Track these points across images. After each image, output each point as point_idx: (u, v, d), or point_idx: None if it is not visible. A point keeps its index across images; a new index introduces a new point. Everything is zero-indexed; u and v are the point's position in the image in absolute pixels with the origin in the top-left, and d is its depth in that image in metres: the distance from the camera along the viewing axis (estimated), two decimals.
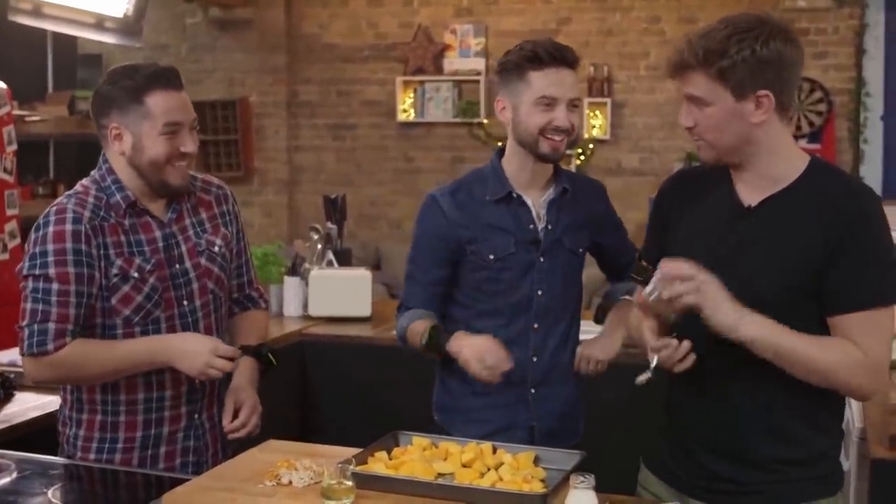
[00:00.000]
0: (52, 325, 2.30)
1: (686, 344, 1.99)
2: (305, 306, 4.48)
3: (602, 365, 2.69)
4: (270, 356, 2.65)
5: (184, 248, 2.47)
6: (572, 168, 7.84)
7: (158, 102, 2.34)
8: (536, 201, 2.64)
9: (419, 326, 2.60)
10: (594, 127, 7.87)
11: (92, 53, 8.41)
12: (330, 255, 4.70)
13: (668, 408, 2.22)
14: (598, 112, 7.85)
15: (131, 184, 2.40)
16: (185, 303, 2.46)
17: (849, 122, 7.36)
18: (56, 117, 6.81)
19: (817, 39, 7.35)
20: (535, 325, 2.64)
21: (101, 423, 2.45)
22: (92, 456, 2.45)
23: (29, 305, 2.32)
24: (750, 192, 2.07)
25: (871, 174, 7.29)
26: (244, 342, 2.63)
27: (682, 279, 1.94)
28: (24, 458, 2.41)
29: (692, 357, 2.00)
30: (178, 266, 2.45)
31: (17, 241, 5.16)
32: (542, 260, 2.62)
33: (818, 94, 7.30)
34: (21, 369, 3.05)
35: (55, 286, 2.30)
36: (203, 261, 2.50)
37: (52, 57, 7.28)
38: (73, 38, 7.41)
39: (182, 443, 2.50)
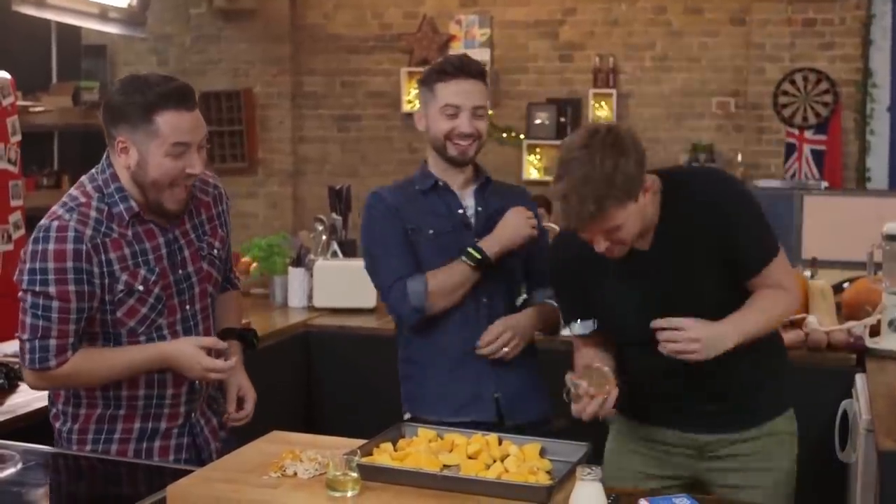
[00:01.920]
0: (53, 342, 2.30)
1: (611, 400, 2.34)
2: (310, 297, 4.47)
3: (517, 342, 2.80)
4: (255, 340, 2.73)
5: (186, 252, 2.46)
6: None
7: (168, 122, 2.28)
8: (461, 191, 2.87)
9: (455, 266, 2.75)
10: (599, 118, 7.84)
11: (96, 44, 8.40)
12: (335, 246, 4.69)
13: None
14: (603, 103, 7.83)
15: (135, 196, 2.37)
16: (188, 307, 2.47)
17: (855, 113, 7.32)
18: (60, 108, 6.79)
19: (824, 30, 7.32)
20: (485, 300, 2.81)
21: (98, 416, 2.44)
22: (88, 447, 2.44)
23: (29, 320, 2.31)
24: (638, 241, 2.38)
25: (878, 165, 7.26)
26: (226, 324, 2.67)
27: (670, 347, 2.31)
28: (28, 448, 2.40)
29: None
30: (181, 272, 2.45)
31: (22, 231, 5.15)
32: (477, 241, 2.78)
33: (824, 85, 7.27)
34: None
35: (56, 304, 2.28)
36: (205, 265, 2.51)
37: (55, 47, 7.25)
38: (77, 29, 7.39)
39: (176, 439, 2.51)
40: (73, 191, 2.40)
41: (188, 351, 2.38)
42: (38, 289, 2.27)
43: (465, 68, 2.87)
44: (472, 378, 2.79)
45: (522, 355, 2.84)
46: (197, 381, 2.49)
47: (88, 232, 2.30)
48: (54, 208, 2.36)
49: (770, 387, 2.56)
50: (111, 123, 2.33)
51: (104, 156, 2.42)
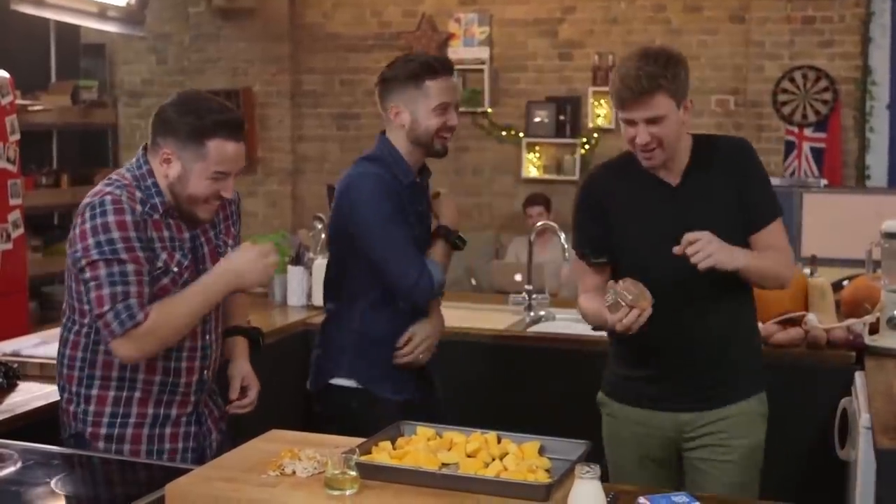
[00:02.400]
0: (134, 301, 2.38)
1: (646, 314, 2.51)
2: (309, 296, 4.47)
3: (430, 343, 3.11)
4: (260, 338, 2.92)
5: (206, 249, 2.60)
6: (576, 157, 7.83)
7: (218, 149, 2.45)
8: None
9: (447, 252, 3.13)
10: (599, 116, 7.84)
11: (95, 43, 8.39)
12: None
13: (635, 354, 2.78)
14: (602, 101, 7.82)
15: (167, 196, 2.52)
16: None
17: (854, 111, 7.31)
18: (59, 107, 6.79)
19: (823, 28, 7.31)
20: None
21: (114, 398, 2.53)
22: (103, 430, 2.52)
23: (106, 290, 2.37)
24: (667, 175, 2.70)
25: (877, 163, 7.25)
26: (233, 322, 2.85)
27: (692, 247, 2.50)
28: (27, 447, 2.41)
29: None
30: (202, 267, 2.57)
31: (21, 230, 5.15)
32: (443, 228, 3.17)
33: (824, 83, 7.27)
34: (24, 359, 3.06)
35: (130, 267, 2.38)
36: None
37: (54, 46, 7.25)
38: (76, 28, 7.39)
39: (185, 427, 2.62)
40: (113, 175, 2.52)
41: (250, 255, 2.51)
42: (110, 257, 2.37)
43: (450, 65, 3.06)
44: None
45: None
46: (205, 372, 2.62)
47: (137, 207, 2.44)
48: (99, 187, 2.47)
49: (747, 368, 2.79)
50: (160, 133, 2.49)
51: (139, 154, 2.55)
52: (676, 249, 2.53)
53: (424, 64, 3.02)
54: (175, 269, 2.49)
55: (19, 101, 5.60)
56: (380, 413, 2.87)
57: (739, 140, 2.85)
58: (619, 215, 2.75)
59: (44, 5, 6.03)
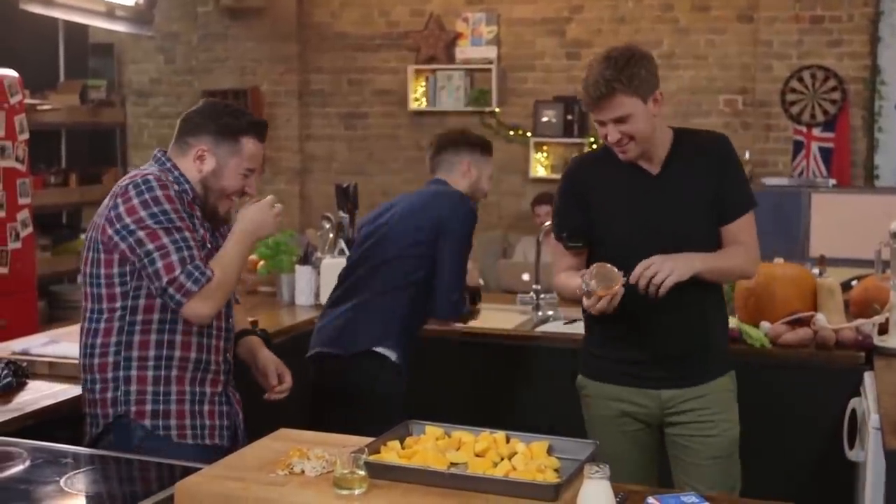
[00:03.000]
0: (199, 261, 2.54)
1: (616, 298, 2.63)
2: (317, 295, 4.48)
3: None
4: (269, 338, 3.12)
5: (209, 248, 2.71)
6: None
7: (250, 147, 2.71)
8: None
9: None
10: None
11: (103, 42, 8.41)
12: (342, 244, 4.69)
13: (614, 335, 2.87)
14: None
15: (198, 188, 2.69)
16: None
17: (863, 110, 7.29)
18: (68, 106, 6.80)
19: (832, 27, 7.29)
20: None
21: (153, 378, 2.61)
22: (149, 407, 2.61)
23: (175, 256, 2.50)
24: (648, 164, 2.81)
25: (886, 163, 7.24)
26: (241, 327, 3.00)
27: (649, 271, 2.61)
28: (36, 446, 2.41)
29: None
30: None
31: (30, 229, 5.16)
32: None
33: (832, 83, 7.25)
34: (33, 357, 3.07)
35: (187, 234, 2.55)
36: None
37: (63, 46, 7.26)
38: (85, 27, 7.40)
39: (218, 405, 2.72)
40: (137, 170, 2.66)
41: (262, 208, 2.72)
42: (168, 226, 2.52)
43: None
44: None
45: None
46: (228, 354, 2.76)
47: (175, 187, 2.61)
48: (133, 173, 2.63)
49: (720, 346, 2.93)
50: (192, 133, 2.69)
51: (157, 155, 2.72)
52: (632, 281, 2.63)
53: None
54: (209, 246, 2.66)
55: (28, 101, 5.61)
56: (394, 391, 3.36)
57: (718, 134, 2.95)
58: (600, 203, 2.86)
59: (52, 5, 6.04)
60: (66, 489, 2.16)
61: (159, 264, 2.50)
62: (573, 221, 2.92)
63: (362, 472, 2.00)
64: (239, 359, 2.93)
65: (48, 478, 2.22)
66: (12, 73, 5.21)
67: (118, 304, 2.59)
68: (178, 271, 2.50)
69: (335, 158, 8.61)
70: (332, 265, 4.44)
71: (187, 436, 2.63)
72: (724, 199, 2.81)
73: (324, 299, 4.37)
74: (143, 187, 2.54)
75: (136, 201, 2.52)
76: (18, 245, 5.08)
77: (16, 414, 2.69)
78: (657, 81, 2.75)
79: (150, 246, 2.50)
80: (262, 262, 4.75)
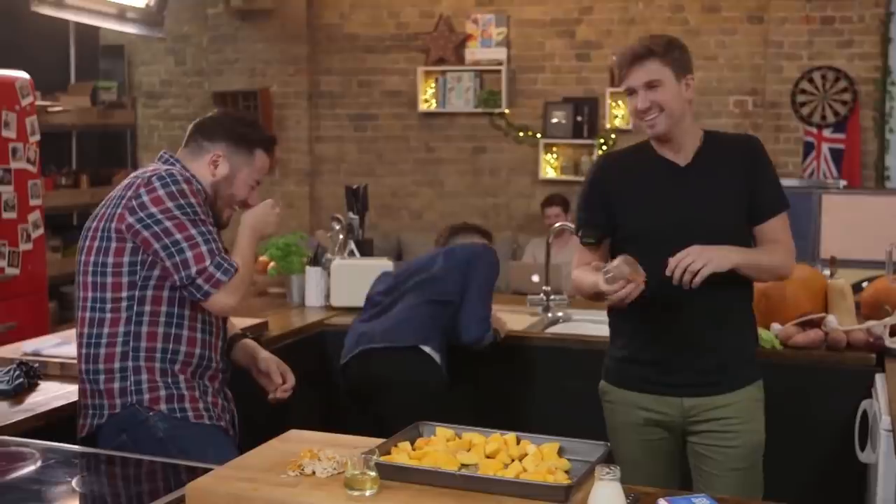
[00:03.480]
0: (224, 253, 2.62)
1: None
2: (327, 296, 4.48)
3: None
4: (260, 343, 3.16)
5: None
6: (593, 158, 7.81)
7: (262, 160, 2.83)
8: None
9: None
10: (616, 117, 7.83)
11: (114, 44, 8.44)
12: (351, 246, 4.70)
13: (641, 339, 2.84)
14: (620, 102, 7.81)
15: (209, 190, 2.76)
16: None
17: (874, 111, 7.28)
18: (78, 108, 6.81)
19: (843, 28, 7.27)
20: None
21: (160, 370, 2.63)
22: (162, 393, 2.62)
23: (204, 247, 2.57)
24: (676, 156, 2.82)
25: None
26: (232, 332, 3.04)
27: (686, 259, 2.59)
28: (48, 447, 2.42)
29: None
30: None
31: (41, 231, 5.17)
32: None
33: (843, 84, 7.23)
34: (45, 358, 3.08)
35: (211, 227, 2.63)
36: None
37: (74, 48, 7.26)
38: (95, 29, 7.40)
39: (222, 399, 2.75)
40: (151, 166, 2.72)
41: (265, 209, 2.83)
42: (194, 218, 2.58)
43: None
44: None
45: None
46: (224, 355, 2.80)
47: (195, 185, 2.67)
48: (153, 167, 2.68)
49: (747, 354, 2.86)
50: (210, 137, 2.76)
51: (162, 157, 2.77)
52: (668, 270, 2.62)
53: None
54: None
55: (39, 102, 5.62)
56: (436, 390, 3.57)
57: (750, 135, 3.00)
58: (625, 197, 2.85)
59: (63, 7, 6.06)
60: (77, 490, 2.17)
61: (189, 254, 2.54)
62: (590, 217, 2.93)
63: (373, 474, 2.00)
64: (236, 364, 2.95)
65: (60, 478, 2.23)
66: (23, 74, 5.22)
67: (124, 294, 2.60)
68: (208, 262, 2.55)
69: (345, 160, 8.62)
70: (342, 266, 4.45)
71: (203, 416, 2.66)
72: (756, 198, 2.79)
73: (334, 301, 4.39)
74: (168, 180, 2.58)
75: (161, 192, 2.56)
76: (29, 246, 5.09)
77: (28, 414, 2.70)
78: (691, 69, 2.80)
79: (179, 236, 2.54)
80: (272, 264, 4.76)
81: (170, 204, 2.56)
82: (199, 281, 2.55)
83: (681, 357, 2.80)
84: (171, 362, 2.64)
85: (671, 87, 2.73)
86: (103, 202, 2.69)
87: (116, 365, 2.61)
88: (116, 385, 2.61)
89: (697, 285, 2.60)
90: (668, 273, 2.60)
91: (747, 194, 2.78)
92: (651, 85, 2.73)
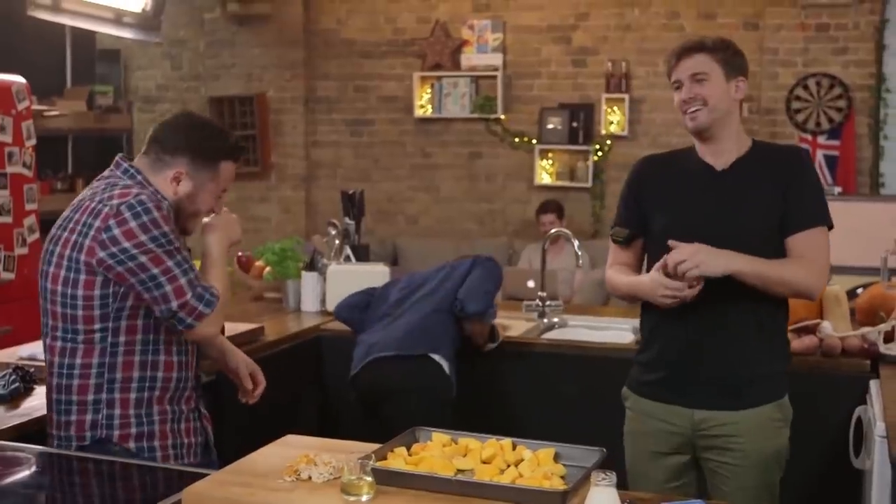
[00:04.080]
0: (203, 282, 2.53)
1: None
2: (323, 301, 4.48)
3: None
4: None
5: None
6: (589, 164, 7.83)
7: (226, 171, 2.67)
8: None
9: None
10: (612, 123, 7.84)
11: (110, 49, 8.43)
12: (347, 251, 4.70)
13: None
14: (615, 108, 7.83)
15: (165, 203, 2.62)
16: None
17: (869, 118, 7.29)
18: (74, 112, 6.81)
19: (837, 35, 7.30)
20: None
21: (136, 400, 2.53)
22: (133, 430, 2.52)
23: (183, 279, 2.47)
24: (716, 160, 2.79)
25: (892, 171, 7.23)
26: None
27: (680, 264, 2.58)
28: (43, 451, 2.42)
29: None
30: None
31: (37, 235, 5.17)
32: None
33: (838, 90, 7.25)
34: (40, 363, 3.08)
35: (187, 254, 2.53)
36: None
37: (70, 52, 7.27)
38: (92, 34, 7.41)
39: (193, 422, 2.67)
40: (110, 187, 2.54)
41: (226, 218, 2.74)
42: (169, 248, 2.46)
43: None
44: None
45: None
46: (196, 367, 2.71)
47: (164, 205, 2.54)
48: (119, 192, 2.49)
49: (768, 371, 2.77)
50: (170, 151, 2.60)
51: (121, 167, 2.62)
52: (660, 265, 2.65)
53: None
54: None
55: (35, 107, 5.62)
56: (445, 397, 3.65)
57: (797, 147, 2.96)
58: (658, 198, 2.84)
59: (60, 11, 6.06)
60: (71, 494, 2.17)
61: (168, 288, 2.44)
62: (624, 216, 2.94)
63: (369, 479, 2.01)
64: (206, 359, 2.87)
65: (55, 483, 2.23)
66: (20, 79, 5.22)
67: (97, 326, 2.47)
68: (189, 295, 2.46)
69: (341, 165, 8.62)
70: (338, 272, 4.45)
71: (170, 457, 2.56)
72: (790, 208, 2.71)
73: (329, 306, 4.39)
74: (139, 209, 2.43)
75: (133, 224, 2.42)
76: (25, 251, 5.09)
77: (24, 419, 2.70)
78: (745, 72, 2.78)
79: (156, 270, 2.43)
80: (268, 269, 4.76)
81: (143, 237, 2.42)
82: (182, 314, 2.46)
83: (693, 368, 2.76)
84: (148, 390, 2.54)
85: (718, 84, 2.72)
86: (62, 221, 2.54)
87: (90, 397, 2.50)
88: (88, 417, 2.50)
89: (692, 285, 2.61)
90: (661, 266, 2.63)
91: (783, 203, 2.72)
92: (697, 77, 2.72)
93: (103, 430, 2.50)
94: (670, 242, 2.65)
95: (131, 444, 2.51)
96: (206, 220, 2.72)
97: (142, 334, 2.51)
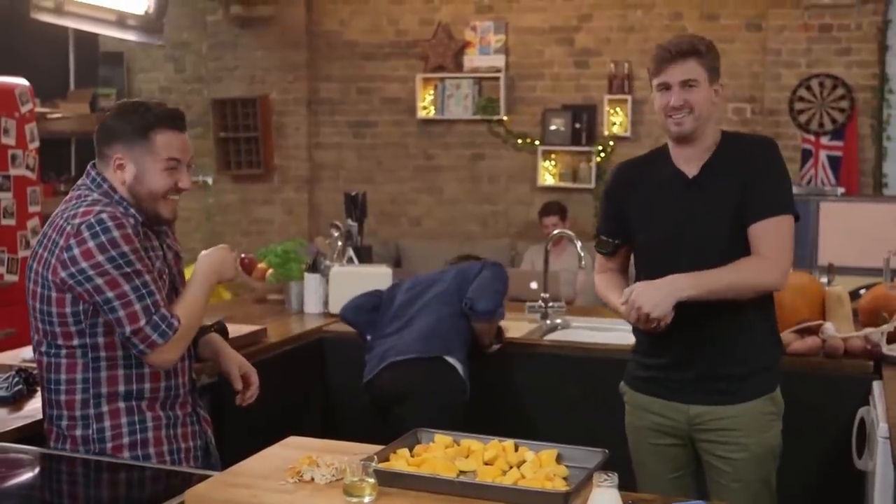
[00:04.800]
0: (163, 310, 2.43)
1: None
2: (326, 303, 4.49)
3: None
4: (226, 329, 3.16)
5: (170, 254, 2.66)
6: (592, 165, 7.83)
7: (163, 140, 2.52)
8: None
9: None
10: (614, 124, 7.84)
11: (113, 51, 8.44)
12: (350, 252, 4.71)
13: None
14: (618, 109, 7.83)
15: (134, 206, 2.55)
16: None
17: (871, 119, 7.29)
18: (77, 115, 6.82)
19: (840, 36, 7.29)
20: None
21: (126, 408, 2.50)
22: (126, 440, 2.48)
23: (137, 305, 2.39)
24: (688, 166, 2.80)
25: (894, 172, 7.23)
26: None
27: (636, 311, 2.62)
28: (45, 453, 2.42)
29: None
30: (173, 270, 2.67)
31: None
32: None
33: (840, 91, 7.25)
34: None
35: (147, 277, 2.43)
36: (182, 267, 2.75)
37: (73, 55, 7.28)
38: (95, 36, 7.43)
39: (191, 426, 2.64)
40: (82, 200, 2.50)
41: (213, 252, 2.66)
42: (127, 270, 2.39)
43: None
44: None
45: None
46: (191, 370, 2.68)
47: (129, 220, 2.46)
48: (84, 209, 2.44)
49: (759, 365, 2.80)
50: (106, 143, 2.55)
51: (91, 173, 2.58)
52: (628, 318, 2.70)
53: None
54: (166, 271, 2.59)
55: (38, 109, 5.63)
56: (458, 400, 3.65)
57: (763, 138, 2.93)
58: (638, 206, 2.87)
59: (63, 14, 6.07)
60: (74, 496, 2.17)
61: (121, 313, 2.38)
62: (606, 227, 2.98)
63: (372, 480, 2.01)
64: (202, 358, 2.85)
65: (58, 485, 2.23)
66: (23, 81, 5.23)
67: (75, 343, 2.46)
68: (142, 322, 2.39)
69: (344, 166, 8.62)
70: (341, 273, 4.45)
71: (167, 462, 2.53)
72: (749, 198, 2.71)
73: (332, 308, 4.39)
74: (98, 229, 2.38)
75: (91, 244, 2.37)
76: (28, 253, 5.10)
77: (27, 421, 2.69)
78: (720, 74, 2.80)
79: (110, 294, 2.37)
80: (270, 271, 4.76)
81: (100, 258, 2.36)
82: (135, 340, 2.40)
83: (687, 364, 2.79)
84: (137, 400, 2.51)
85: (704, 90, 2.73)
86: (40, 237, 2.53)
87: (78, 413, 2.48)
88: (79, 432, 2.49)
89: (666, 326, 2.63)
90: (630, 320, 2.68)
91: (744, 197, 2.72)
92: (688, 84, 2.72)
93: (96, 444, 2.47)
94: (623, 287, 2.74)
95: (126, 454, 2.48)
96: (203, 252, 2.67)
97: (122, 349, 2.47)
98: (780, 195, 2.74)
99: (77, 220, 2.40)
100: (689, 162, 2.80)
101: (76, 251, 2.37)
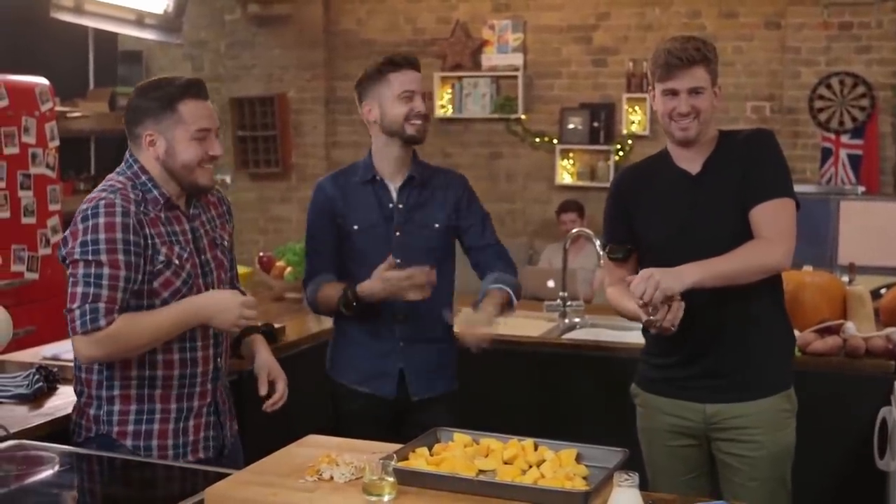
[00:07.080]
0: (102, 305, 2.42)
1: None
2: None
3: (485, 337, 3.08)
4: (275, 334, 3.23)
5: (205, 240, 2.67)
6: (610, 164, 7.81)
7: (189, 110, 2.57)
8: (395, 185, 3.30)
9: (330, 290, 3.15)
10: (633, 123, 7.82)
11: (132, 50, 8.47)
12: None
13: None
14: (637, 108, 7.80)
15: (165, 184, 2.60)
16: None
17: (892, 117, 7.24)
18: (97, 113, 6.85)
19: (861, 34, 7.25)
20: None
21: (137, 396, 2.55)
22: (131, 427, 2.54)
23: (80, 289, 2.43)
24: (690, 165, 2.82)
25: None
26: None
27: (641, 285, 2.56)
28: (66, 451, 2.43)
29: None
30: (203, 256, 2.65)
31: (60, 235, 5.20)
32: (398, 234, 3.20)
33: (861, 89, 7.20)
34: (63, 363, 3.09)
35: (106, 271, 2.43)
36: (219, 253, 2.72)
37: (93, 54, 7.32)
38: (114, 35, 7.46)
39: (206, 417, 2.66)
40: (105, 183, 2.59)
41: (225, 294, 2.60)
42: (90, 258, 2.43)
43: (411, 60, 3.37)
44: (378, 356, 3.21)
45: (437, 334, 3.23)
46: (218, 360, 2.67)
47: (132, 208, 2.50)
48: (93, 193, 2.54)
49: (773, 362, 2.81)
50: (135, 122, 2.60)
51: (126, 157, 2.65)
52: (638, 300, 2.60)
53: (386, 59, 3.35)
54: (176, 262, 2.56)
55: (58, 108, 5.65)
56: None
57: (759, 130, 2.93)
58: (644, 210, 2.87)
59: (82, 13, 6.10)
60: (95, 494, 2.18)
61: (69, 291, 2.44)
62: (615, 233, 2.96)
63: (391, 479, 2.01)
64: (242, 357, 2.90)
65: (78, 482, 2.25)
66: (43, 80, 5.25)
67: None
68: (76, 304, 2.42)
69: None
70: None
71: (168, 456, 2.56)
72: (749, 184, 2.73)
73: None
74: (89, 213, 2.46)
75: (79, 227, 2.47)
76: (48, 251, 5.12)
77: (47, 419, 2.71)
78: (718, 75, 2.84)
79: (70, 272, 2.46)
80: (289, 269, 4.77)
81: (78, 241, 2.45)
82: (68, 318, 2.44)
83: (702, 363, 2.78)
84: (150, 387, 2.56)
85: (709, 95, 2.77)
86: None
87: (94, 392, 2.57)
88: (93, 411, 2.57)
89: (676, 318, 2.57)
90: (639, 303, 2.58)
91: (744, 187, 2.74)
92: (696, 91, 2.74)
93: (104, 425, 2.55)
94: (626, 279, 2.68)
95: (128, 442, 2.54)
96: (215, 290, 2.63)
97: None
98: (779, 180, 2.76)
99: (83, 205, 2.50)
100: (691, 161, 2.83)
101: (69, 231, 2.49)
